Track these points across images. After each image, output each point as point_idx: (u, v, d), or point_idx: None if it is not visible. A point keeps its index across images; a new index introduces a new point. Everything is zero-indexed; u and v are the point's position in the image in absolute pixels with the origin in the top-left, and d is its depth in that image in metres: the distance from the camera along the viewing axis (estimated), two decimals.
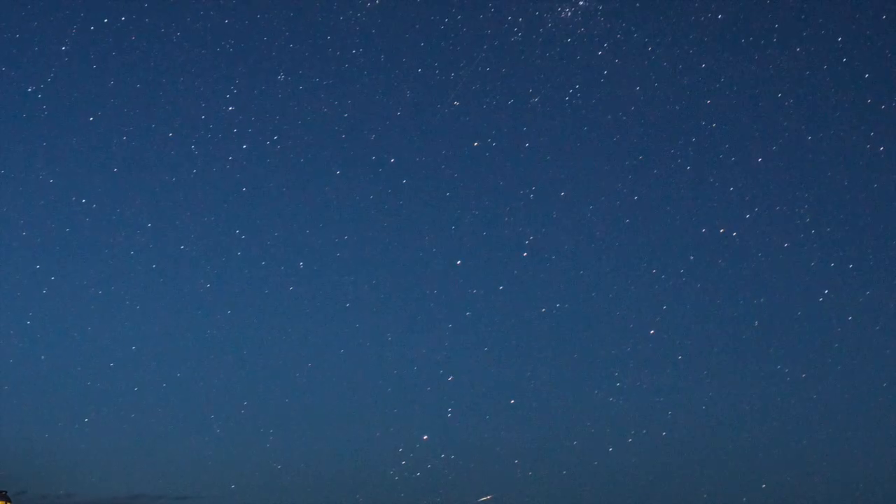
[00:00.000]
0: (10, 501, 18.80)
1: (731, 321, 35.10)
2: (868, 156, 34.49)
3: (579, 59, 31.59)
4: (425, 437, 35.81)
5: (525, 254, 36.08)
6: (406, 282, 35.59)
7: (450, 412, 35.06)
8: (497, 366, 36.98)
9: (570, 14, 28.41)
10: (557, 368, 37.06)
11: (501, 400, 37.09)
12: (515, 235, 36.70)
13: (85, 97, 35.21)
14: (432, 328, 37.63)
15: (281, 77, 33.42)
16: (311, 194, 37.26)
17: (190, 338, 37.01)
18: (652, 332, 34.01)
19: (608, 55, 31.30)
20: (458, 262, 37.29)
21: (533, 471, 35.16)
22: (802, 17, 30.80)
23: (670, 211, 35.65)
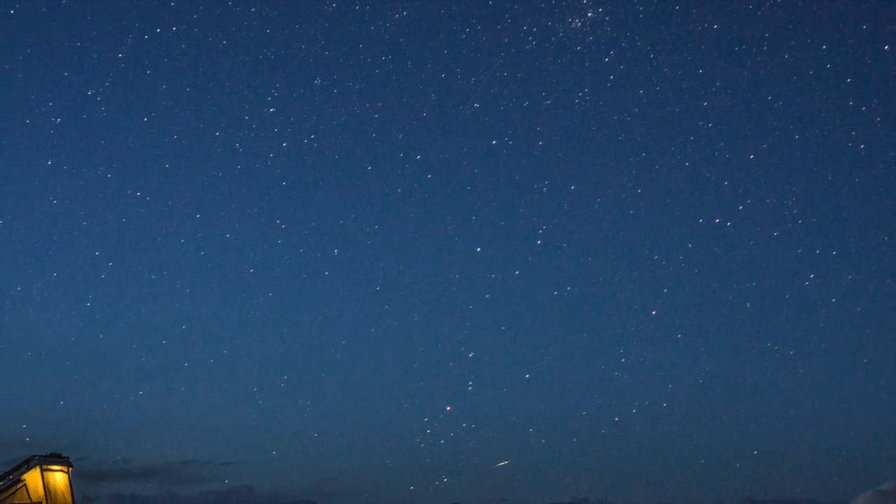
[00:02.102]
0: (71, 467, 19.00)
1: (726, 303, 36.03)
2: (850, 153, 35.20)
3: (588, 65, 32.54)
4: (448, 408, 36.97)
5: (539, 242, 37.11)
6: (430, 267, 36.76)
7: (470, 385, 36.17)
8: (513, 343, 38.10)
9: (579, 24, 29.34)
10: (568, 346, 38.15)
11: (517, 374, 38.20)
12: (530, 225, 37.72)
13: (140, 100, 36.49)
14: (454, 309, 38.80)
15: (317, 82, 34.56)
16: (345, 188, 38.41)
17: (235, 318, 38.29)
18: (654, 312, 34.99)
19: (614, 62, 32.21)
20: (478, 250, 38.35)
21: (546, 438, 36.29)
22: (790, 27, 31.56)
23: (670, 203, 36.59)
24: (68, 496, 18.39)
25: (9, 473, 18.05)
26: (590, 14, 29.16)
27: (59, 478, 18.32)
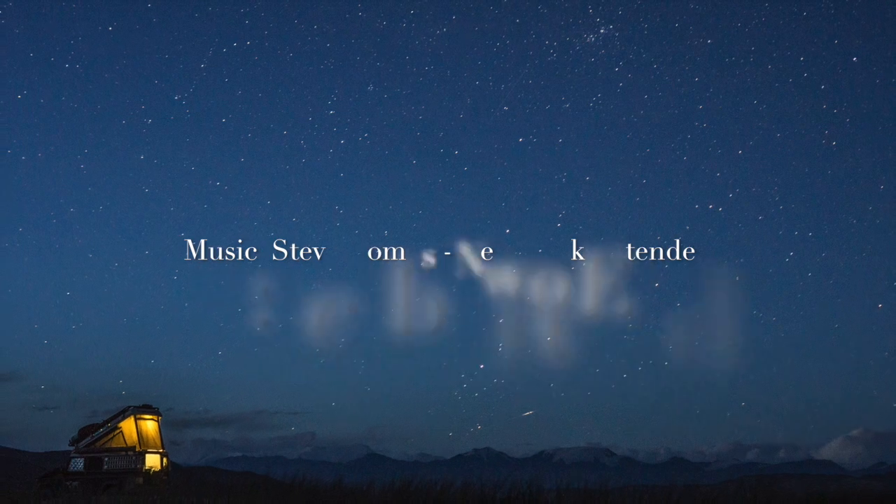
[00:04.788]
0: (161, 416, 20.08)
1: (717, 276, 37.63)
2: (823, 149, 36.72)
3: (600, 74, 34.16)
4: (482, 366, 39.39)
5: (559, 224, 39.03)
6: (467, 246, 38.59)
7: (500, 347, 38.30)
8: (536, 311, 39.73)
9: (593, 39, 30.90)
10: (582, 313, 39.70)
11: (540, 337, 39.96)
12: (551, 210, 39.80)
13: (219, 103, 39.05)
14: None
15: (370, 88, 36.73)
16: (393, 178, 40.62)
17: (300, 289, 40.76)
18: (656, 284, 36.63)
19: (623, 71, 33.79)
20: (507, 231, 40.38)
21: (564, 392, 38.42)
22: (773, 41, 32.84)
23: (671, 191, 38.30)
24: (158, 441, 19.46)
25: (108, 421, 19.17)
26: (602, 31, 30.76)
27: (150, 425, 19.41)
